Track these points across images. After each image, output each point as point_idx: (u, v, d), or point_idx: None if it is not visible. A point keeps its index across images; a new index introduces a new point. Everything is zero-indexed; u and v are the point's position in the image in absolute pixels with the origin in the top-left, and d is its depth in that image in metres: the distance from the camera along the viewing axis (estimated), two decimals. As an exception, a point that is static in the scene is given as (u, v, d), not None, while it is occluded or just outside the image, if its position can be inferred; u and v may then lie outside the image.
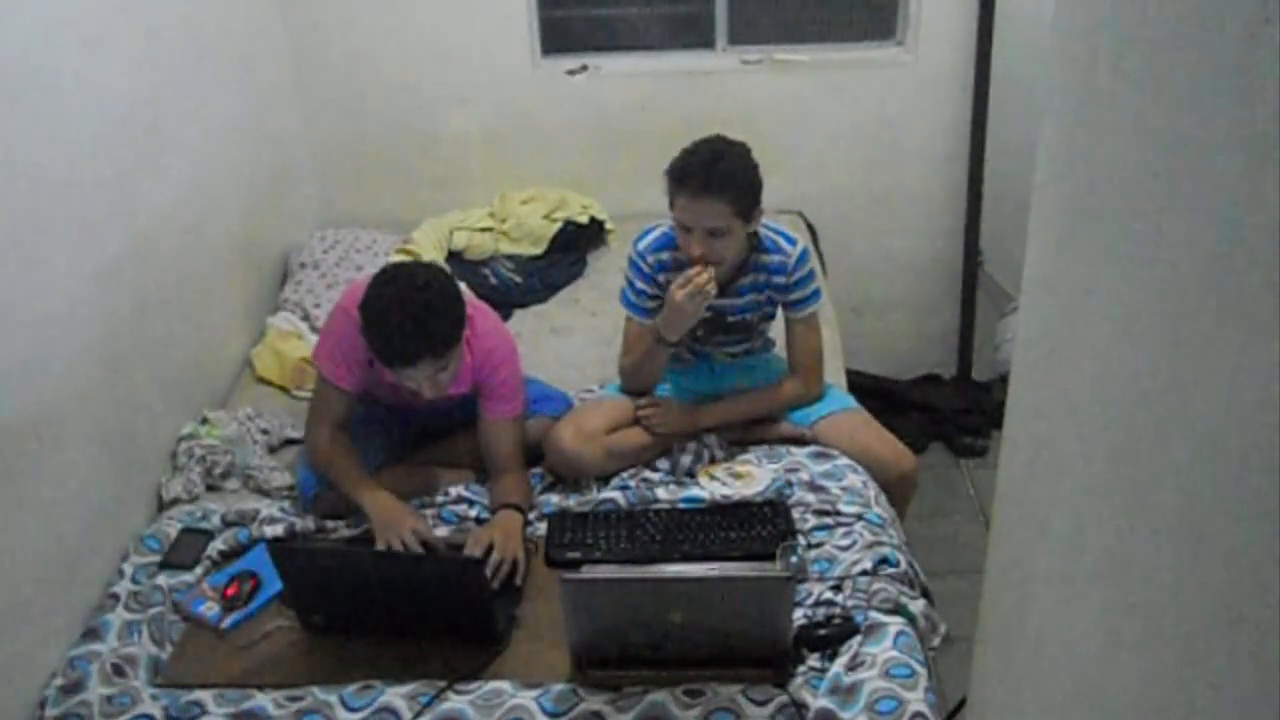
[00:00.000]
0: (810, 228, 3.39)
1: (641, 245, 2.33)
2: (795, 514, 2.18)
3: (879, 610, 1.90)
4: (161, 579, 2.12)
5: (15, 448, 1.88)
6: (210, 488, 2.41)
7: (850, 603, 1.94)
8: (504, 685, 1.85)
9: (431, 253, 3.07)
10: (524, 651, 1.94)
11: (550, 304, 3.12)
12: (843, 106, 3.36)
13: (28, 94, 1.97)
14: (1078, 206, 0.91)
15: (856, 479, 2.25)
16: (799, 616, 1.92)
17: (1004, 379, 2.69)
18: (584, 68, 3.36)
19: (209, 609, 2.05)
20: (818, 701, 1.76)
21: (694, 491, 2.27)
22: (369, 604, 1.98)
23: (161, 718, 1.82)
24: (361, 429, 2.32)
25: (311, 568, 1.98)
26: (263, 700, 1.84)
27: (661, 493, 2.27)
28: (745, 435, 2.42)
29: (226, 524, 2.26)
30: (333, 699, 1.83)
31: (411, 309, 1.97)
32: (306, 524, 2.23)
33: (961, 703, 1.79)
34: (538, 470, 2.36)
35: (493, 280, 3.13)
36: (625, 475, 2.33)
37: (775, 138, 3.17)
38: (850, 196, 3.48)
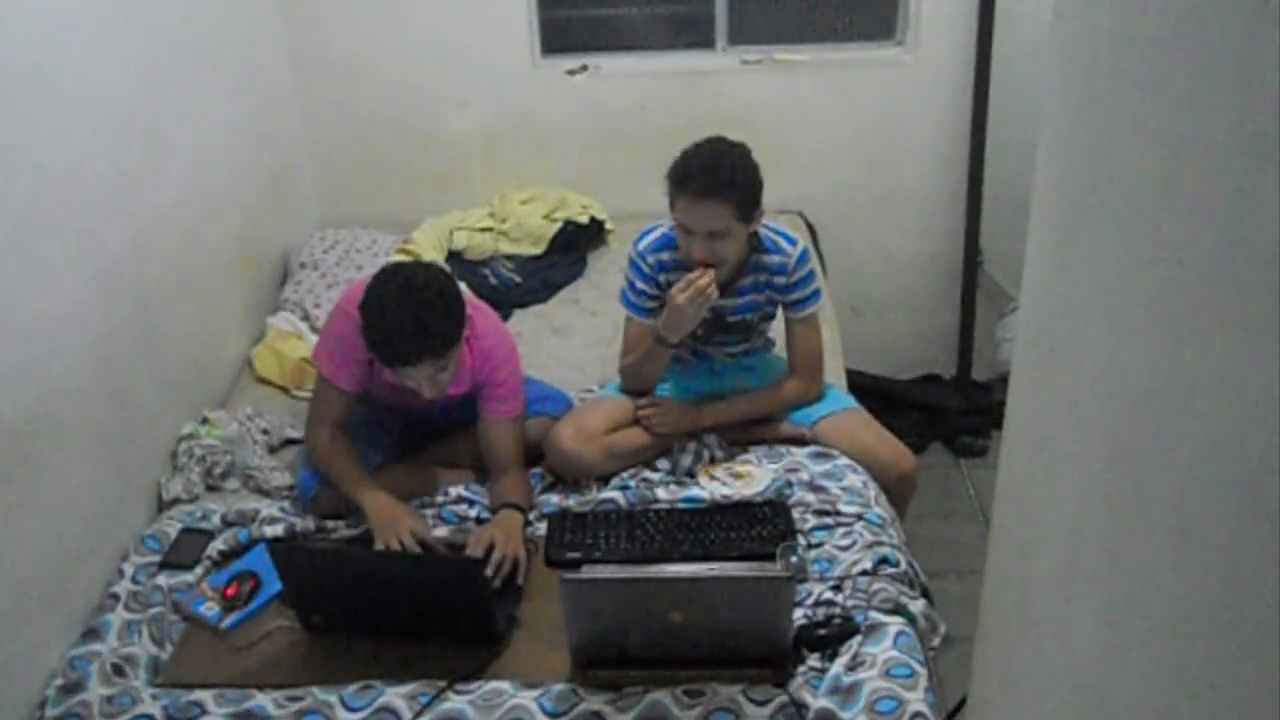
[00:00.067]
0: (810, 228, 3.39)
1: (642, 245, 2.33)
2: (795, 514, 2.18)
3: (879, 610, 1.90)
4: (161, 579, 2.12)
5: (15, 448, 1.88)
6: (210, 488, 2.41)
7: (850, 603, 1.94)
8: (504, 685, 1.85)
9: (431, 253, 3.07)
10: (524, 651, 1.94)
11: (550, 304, 3.12)
12: (843, 106, 3.36)
13: (28, 94, 1.97)
14: (1078, 206, 0.91)
15: (856, 479, 2.25)
16: (799, 616, 1.92)
17: (1004, 379, 2.69)
18: (584, 68, 3.36)
19: (209, 609, 2.05)
20: (818, 701, 1.76)
21: (694, 491, 2.27)
22: (369, 604, 1.98)
23: (161, 718, 1.82)
24: (361, 429, 2.32)
25: (311, 568, 1.98)
26: (263, 700, 1.84)
27: (661, 493, 2.27)
28: (745, 435, 2.42)
29: (226, 524, 2.26)
30: (333, 699, 1.83)
31: (411, 309, 1.97)
32: (306, 524, 2.23)
33: (961, 703, 1.79)
34: (538, 470, 2.36)
35: (493, 280, 3.13)
36: (625, 475, 2.33)
37: (775, 138, 3.17)
38: (850, 196, 3.47)
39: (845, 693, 1.76)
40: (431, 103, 3.38)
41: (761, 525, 2.16)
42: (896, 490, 2.33)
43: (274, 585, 2.06)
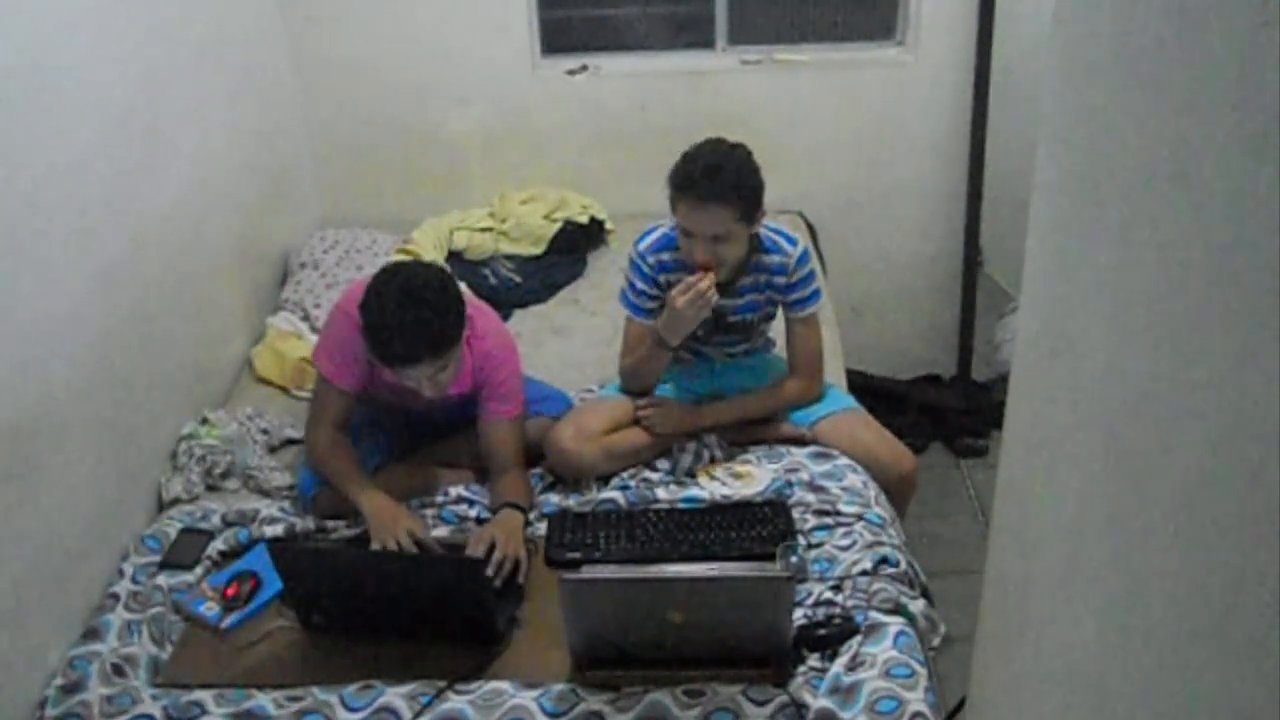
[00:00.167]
0: (810, 227, 3.39)
1: (642, 246, 2.33)
2: (795, 514, 2.18)
3: (879, 610, 1.90)
4: (161, 579, 2.12)
5: (15, 448, 1.88)
6: (210, 488, 2.41)
7: (850, 603, 1.94)
8: (504, 685, 1.85)
9: (431, 253, 3.07)
10: (524, 651, 1.94)
11: (550, 304, 3.12)
12: (843, 106, 3.36)
13: (28, 94, 1.97)
14: (1078, 206, 0.91)
15: (856, 479, 2.25)
16: (799, 616, 1.92)
17: (1004, 379, 2.69)
18: (584, 68, 3.36)
19: (209, 609, 2.05)
20: (818, 701, 1.76)
21: (694, 491, 2.27)
22: (369, 604, 1.98)
23: (161, 718, 1.82)
24: (361, 429, 2.32)
25: (311, 568, 1.98)
26: (263, 700, 1.84)
27: (661, 493, 2.27)
28: (745, 435, 2.42)
29: (226, 524, 2.26)
30: (333, 699, 1.83)
31: (411, 309, 1.97)
32: (306, 524, 2.23)
33: (961, 703, 1.79)
34: (538, 470, 2.36)
35: (493, 280, 3.13)
36: (625, 475, 2.33)
37: (775, 138, 3.17)
38: (850, 196, 3.47)
39: (845, 693, 1.76)
40: (431, 103, 3.38)
41: (761, 525, 2.16)
42: (896, 490, 2.33)
43: (274, 585, 2.06)
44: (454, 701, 1.82)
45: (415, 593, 1.96)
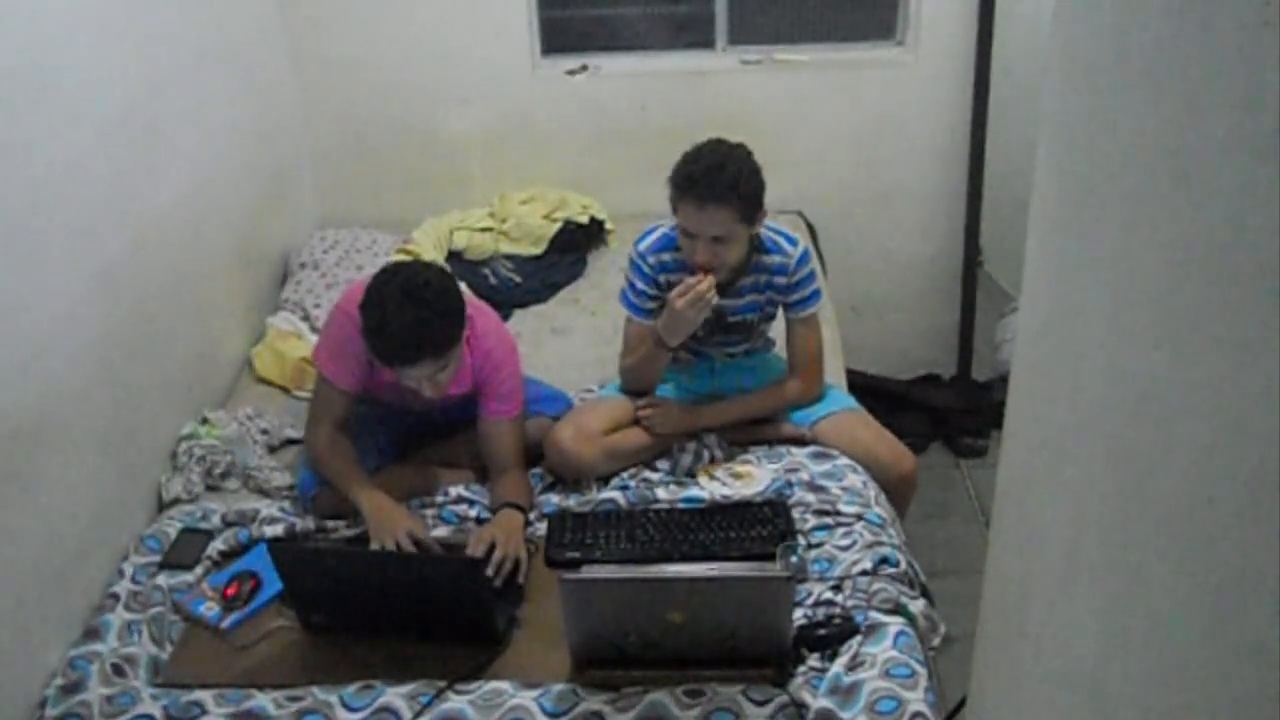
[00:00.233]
0: (810, 227, 3.39)
1: (643, 246, 2.33)
2: (795, 514, 2.18)
3: (879, 610, 1.90)
4: (161, 579, 2.12)
5: (15, 448, 1.88)
6: (210, 488, 2.41)
7: (850, 603, 1.94)
8: (504, 685, 1.85)
9: (431, 253, 3.07)
10: (524, 651, 1.94)
11: (550, 304, 3.12)
12: (843, 106, 3.36)
13: (28, 94, 1.97)
14: (1078, 206, 0.91)
15: (856, 479, 2.25)
16: (799, 616, 1.92)
17: (1004, 379, 2.69)
18: (584, 68, 3.36)
19: (209, 609, 2.05)
20: (818, 701, 1.76)
21: (694, 491, 2.27)
22: (369, 604, 1.98)
23: (161, 718, 1.82)
24: (361, 429, 2.32)
25: (311, 568, 1.98)
26: (263, 700, 1.84)
27: (661, 493, 2.27)
28: (745, 435, 2.42)
29: (226, 524, 2.26)
30: (333, 699, 1.83)
31: (411, 309, 1.97)
32: (306, 524, 2.23)
33: (961, 703, 1.79)
34: (538, 470, 2.36)
35: (493, 280, 3.14)
36: (625, 475, 2.33)
37: (775, 138, 3.17)
38: (850, 196, 3.48)
39: (845, 693, 1.76)
40: (431, 103, 3.38)
41: (761, 525, 2.16)
42: (896, 490, 2.33)
43: (274, 585, 2.06)
44: (454, 701, 1.82)
45: (415, 593, 1.96)
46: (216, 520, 2.27)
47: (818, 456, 2.33)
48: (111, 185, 2.24)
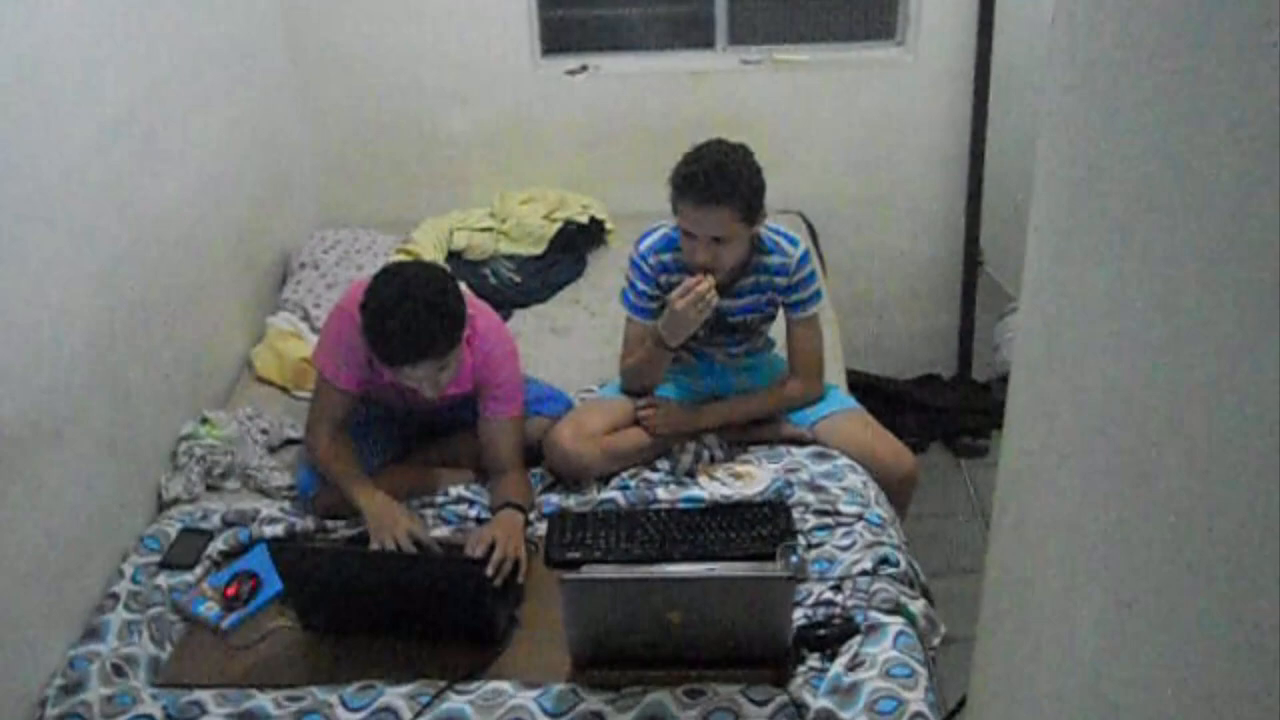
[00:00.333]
0: (810, 228, 3.39)
1: (643, 246, 2.33)
2: (795, 514, 2.18)
3: (879, 610, 1.90)
4: (161, 579, 2.12)
5: (15, 448, 1.88)
6: (210, 488, 2.41)
7: (850, 603, 1.94)
8: (504, 685, 1.85)
9: (431, 253, 3.07)
10: (524, 651, 1.94)
11: (550, 304, 3.12)
12: (843, 106, 3.36)
13: (27, 94, 1.97)
14: (1078, 206, 0.91)
15: (856, 479, 2.25)
16: (799, 616, 1.92)
17: (1004, 379, 2.69)
18: (584, 68, 3.36)
19: (209, 609, 2.05)
20: (818, 701, 1.76)
21: (694, 491, 2.27)
22: (369, 604, 1.98)
23: (161, 718, 1.82)
24: (361, 429, 2.32)
25: (311, 568, 1.98)
26: (263, 700, 1.84)
27: (661, 493, 2.27)
28: (745, 435, 2.42)
29: (226, 524, 2.26)
30: (333, 699, 1.83)
31: (411, 309, 1.97)
32: (306, 524, 2.23)
33: (961, 703, 1.79)
34: (538, 470, 2.36)
35: (493, 280, 3.13)
36: (625, 475, 2.33)
37: (775, 138, 3.17)
38: (850, 196, 3.47)
39: (845, 693, 1.76)
40: (431, 103, 3.38)
41: (761, 525, 2.16)
42: (897, 490, 2.33)
43: (274, 585, 2.06)
44: (454, 701, 1.82)
45: (415, 593, 1.96)
46: (216, 520, 2.27)
47: (818, 456, 2.33)
48: (111, 185, 2.24)
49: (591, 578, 1.82)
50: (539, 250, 3.22)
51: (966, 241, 3.45)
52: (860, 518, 2.14)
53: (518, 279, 3.15)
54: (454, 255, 3.17)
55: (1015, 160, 3.24)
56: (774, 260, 2.30)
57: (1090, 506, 0.90)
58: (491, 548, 2.05)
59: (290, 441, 2.56)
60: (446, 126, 3.41)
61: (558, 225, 3.23)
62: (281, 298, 3.03)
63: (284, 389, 2.75)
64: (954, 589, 2.53)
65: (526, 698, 1.81)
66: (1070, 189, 0.94)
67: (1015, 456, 1.16)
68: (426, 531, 2.14)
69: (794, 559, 2.01)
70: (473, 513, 2.26)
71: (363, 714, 1.80)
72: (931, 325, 3.64)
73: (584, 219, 3.27)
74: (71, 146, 2.11)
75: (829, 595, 1.97)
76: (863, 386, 3.14)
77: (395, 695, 1.82)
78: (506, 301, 3.04)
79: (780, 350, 2.48)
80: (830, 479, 2.25)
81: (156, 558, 2.17)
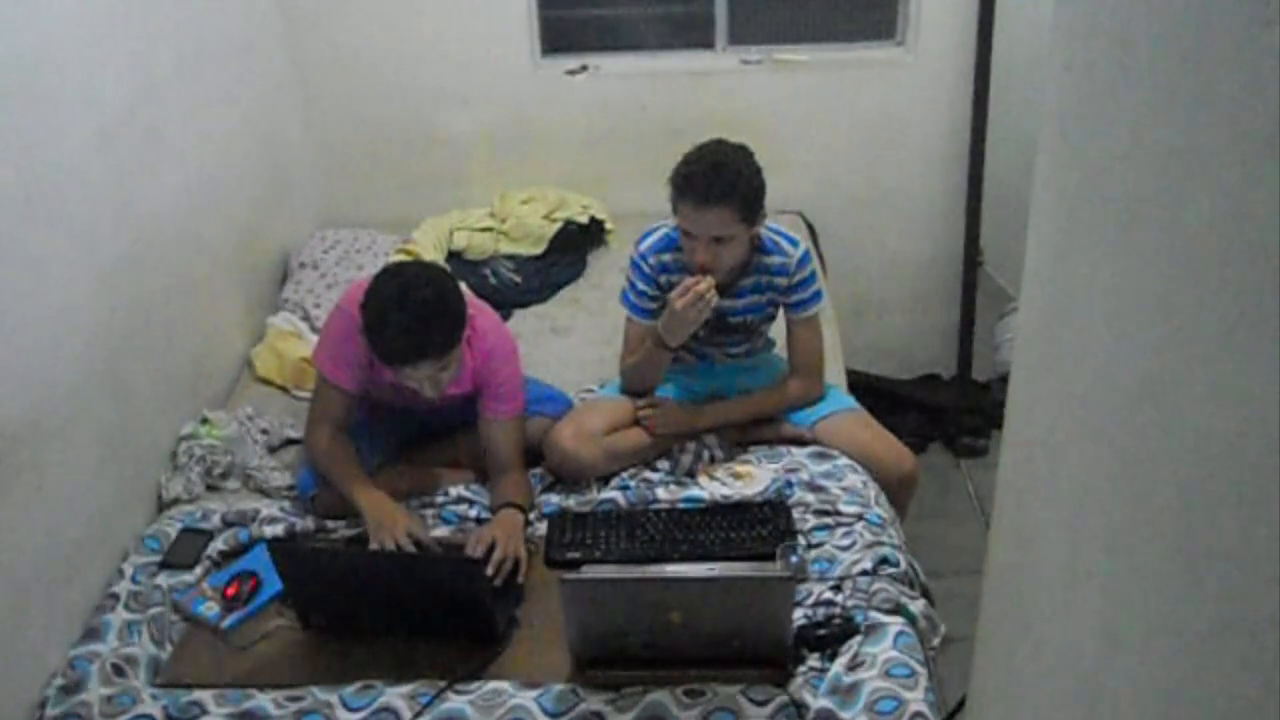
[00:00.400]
0: (810, 228, 3.39)
1: (644, 246, 2.33)
2: (795, 514, 2.18)
3: (879, 610, 1.90)
4: (161, 579, 2.12)
5: (15, 448, 1.88)
6: (210, 488, 2.41)
7: (850, 603, 1.94)
8: (504, 685, 1.85)
9: (431, 253, 3.07)
10: (524, 651, 1.94)
11: (550, 304, 3.12)
12: (843, 106, 3.36)
13: (27, 94, 1.97)
14: (1078, 206, 0.91)
15: (856, 479, 2.25)
16: (799, 616, 1.92)
17: (1004, 379, 2.69)
18: (584, 68, 3.36)
19: (209, 609, 2.05)
20: (818, 701, 1.76)
21: (694, 491, 2.27)
22: (369, 604, 1.98)
23: (161, 718, 1.82)
24: (361, 429, 2.32)
25: (311, 568, 1.98)
26: (263, 700, 1.84)
27: (661, 493, 2.27)
28: (745, 435, 2.42)
29: (226, 524, 2.26)
30: (333, 699, 1.83)
31: (411, 309, 1.97)
32: (306, 524, 2.24)
33: (961, 703, 1.79)
34: (538, 470, 2.36)
35: (493, 280, 3.13)
36: (625, 475, 2.33)
37: (775, 138, 3.17)
38: (850, 196, 3.47)
39: (845, 693, 1.76)
40: (431, 103, 3.38)
41: (761, 525, 2.16)
42: (897, 491, 2.33)
43: (274, 585, 2.06)
44: (454, 701, 1.82)
45: (415, 593, 1.96)
46: (216, 520, 2.27)
47: (818, 456, 2.33)
48: (111, 185, 2.24)
49: (591, 578, 1.82)
50: (539, 250, 3.22)
51: (966, 241, 3.45)
52: (860, 518, 2.14)
53: (518, 279, 3.15)
54: (454, 255, 3.17)
55: (1015, 160, 3.24)
56: (774, 260, 2.30)
57: (1089, 506, 0.90)
58: (491, 548, 2.06)
59: (290, 441, 2.56)
60: (446, 127, 3.41)
61: (558, 225, 3.23)
62: (281, 298, 3.03)
63: (284, 389, 2.75)
64: (954, 589, 2.53)
65: (527, 698, 1.81)
66: (1070, 189, 0.94)
67: (1015, 456, 1.16)
68: (426, 531, 2.14)
69: (794, 559, 2.01)
70: (473, 513, 2.26)
71: (363, 714, 1.80)
72: (931, 325, 3.64)
73: (584, 219, 3.27)
74: (71, 146, 2.11)
75: (829, 595, 1.97)
76: (863, 386, 3.14)
77: (395, 695, 1.82)
78: (506, 301, 3.04)
79: (780, 350, 2.48)
80: (830, 479, 2.25)
81: (156, 558, 2.17)
